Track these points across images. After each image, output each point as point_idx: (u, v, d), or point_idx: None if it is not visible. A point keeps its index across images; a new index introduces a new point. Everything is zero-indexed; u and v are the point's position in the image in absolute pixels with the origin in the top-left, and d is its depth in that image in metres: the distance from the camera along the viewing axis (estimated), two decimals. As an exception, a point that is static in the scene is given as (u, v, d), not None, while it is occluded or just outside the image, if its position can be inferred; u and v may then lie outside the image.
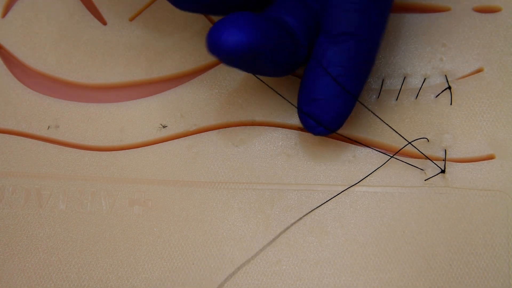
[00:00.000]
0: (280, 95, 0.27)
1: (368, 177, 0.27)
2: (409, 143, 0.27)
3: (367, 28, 0.24)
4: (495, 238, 0.26)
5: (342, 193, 0.27)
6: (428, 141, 0.27)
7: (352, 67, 0.24)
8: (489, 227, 0.26)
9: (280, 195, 0.27)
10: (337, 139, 0.28)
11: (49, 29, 0.31)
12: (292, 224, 0.27)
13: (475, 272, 0.25)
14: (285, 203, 0.27)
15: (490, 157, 0.27)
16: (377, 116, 0.28)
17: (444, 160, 0.27)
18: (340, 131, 0.28)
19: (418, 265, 0.26)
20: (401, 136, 0.27)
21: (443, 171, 0.27)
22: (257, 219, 0.27)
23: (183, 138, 0.28)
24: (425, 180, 0.27)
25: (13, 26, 0.31)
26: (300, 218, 0.27)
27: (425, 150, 0.27)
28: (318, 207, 0.27)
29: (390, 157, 0.27)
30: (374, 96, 0.28)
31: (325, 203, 0.27)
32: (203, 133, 0.28)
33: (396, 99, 0.28)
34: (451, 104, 0.28)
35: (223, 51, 0.22)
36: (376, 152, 0.27)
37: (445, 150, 0.27)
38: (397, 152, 0.27)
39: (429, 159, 0.27)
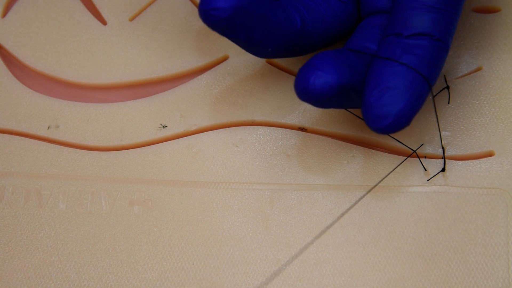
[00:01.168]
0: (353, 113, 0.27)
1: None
2: (416, 149, 0.27)
3: (441, 29, 0.23)
4: (494, 237, 0.26)
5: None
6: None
7: (425, 67, 0.23)
8: (489, 225, 0.26)
9: (280, 195, 0.27)
10: (338, 139, 0.28)
11: (49, 29, 0.31)
12: (329, 226, 0.27)
13: (475, 271, 0.25)
14: (285, 203, 0.27)
15: (489, 154, 0.27)
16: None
17: (443, 158, 0.27)
18: (339, 130, 0.28)
19: (418, 265, 0.26)
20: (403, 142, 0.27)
21: (443, 170, 0.27)
22: (256, 219, 0.27)
23: (183, 138, 0.28)
24: (427, 180, 0.27)
25: (13, 26, 0.31)
26: (337, 219, 0.27)
27: (423, 148, 0.27)
28: (351, 206, 0.27)
29: (410, 154, 0.27)
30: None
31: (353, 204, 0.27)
32: (203, 133, 0.28)
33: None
34: (448, 103, 0.28)
35: (313, 96, 0.22)
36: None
37: (443, 148, 0.27)
38: (416, 149, 0.27)
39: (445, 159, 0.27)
